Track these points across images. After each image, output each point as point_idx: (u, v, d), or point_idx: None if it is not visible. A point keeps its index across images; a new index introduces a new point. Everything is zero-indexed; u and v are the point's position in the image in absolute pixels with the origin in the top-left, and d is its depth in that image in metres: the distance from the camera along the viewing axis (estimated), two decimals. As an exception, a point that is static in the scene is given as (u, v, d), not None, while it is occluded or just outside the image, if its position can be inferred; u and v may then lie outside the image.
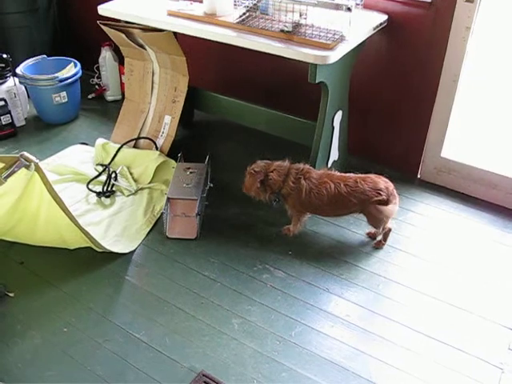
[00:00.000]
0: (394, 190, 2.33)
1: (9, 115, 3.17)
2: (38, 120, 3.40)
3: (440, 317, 2.11)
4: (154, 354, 1.94)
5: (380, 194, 2.26)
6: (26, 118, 3.38)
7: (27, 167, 1.93)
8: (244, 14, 2.43)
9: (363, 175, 2.34)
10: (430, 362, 1.93)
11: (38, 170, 1.97)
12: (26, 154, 1.93)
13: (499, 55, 2.79)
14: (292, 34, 2.26)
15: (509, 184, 2.63)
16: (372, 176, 2.33)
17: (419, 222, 2.59)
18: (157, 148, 2.94)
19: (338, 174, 2.37)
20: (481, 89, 2.86)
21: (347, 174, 2.36)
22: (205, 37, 2.40)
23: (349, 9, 2.14)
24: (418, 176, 2.91)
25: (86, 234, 2.18)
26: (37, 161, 1.96)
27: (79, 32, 3.81)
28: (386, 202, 2.28)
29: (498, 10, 2.56)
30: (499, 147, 2.86)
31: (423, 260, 2.37)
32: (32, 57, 3.35)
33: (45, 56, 3.39)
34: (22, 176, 1.98)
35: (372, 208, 2.29)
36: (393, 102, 2.80)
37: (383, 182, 2.31)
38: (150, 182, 2.78)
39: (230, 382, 1.83)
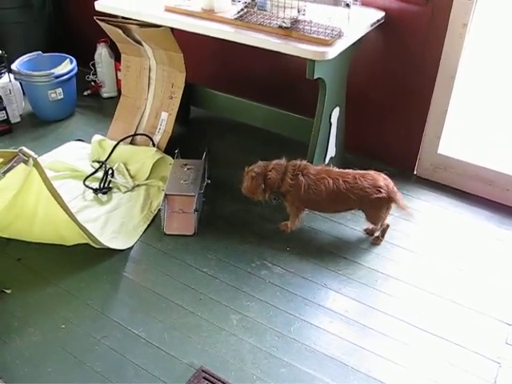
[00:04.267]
0: (395, 187, 2.32)
1: (4, 112, 3.15)
2: (34, 117, 3.38)
3: (438, 312, 2.12)
4: (153, 350, 1.93)
5: (380, 191, 2.26)
6: (21, 115, 3.35)
7: (26, 162, 1.93)
8: (242, 9, 2.43)
9: (362, 172, 2.34)
10: (429, 356, 1.94)
11: (36, 165, 1.96)
12: (24, 149, 1.92)
13: (496, 52, 2.80)
14: (290, 30, 2.25)
15: (505, 180, 2.65)
16: (371, 173, 2.33)
17: (416, 219, 2.59)
18: (154, 144, 2.93)
19: (337, 170, 2.37)
20: (478, 85, 2.87)
21: (346, 170, 2.36)
22: (202, 33, 2.40)
23: (347, 5, 2.15)
24: (415, 173, 2.91)
25: (84, 230, 2.17)
26: (35, 156, 1.95)
27: (75, 28, 3.79)
28: (388, 200, 2.28)
29: (495, 7, 2.56)
30: (495, 144, 2.88)
31: (421, 256, 2.38)
32: (27, 53, 3.32)
33: (40, 52, 3.36)
34: (21, 171, 1.97)
35: (371, 205, 2.30)
36: (390, 99, 2.80)
37: (383, 179, 2.30)
38: (147, 179, 2.77)
39: (229, 378, 1.83)
